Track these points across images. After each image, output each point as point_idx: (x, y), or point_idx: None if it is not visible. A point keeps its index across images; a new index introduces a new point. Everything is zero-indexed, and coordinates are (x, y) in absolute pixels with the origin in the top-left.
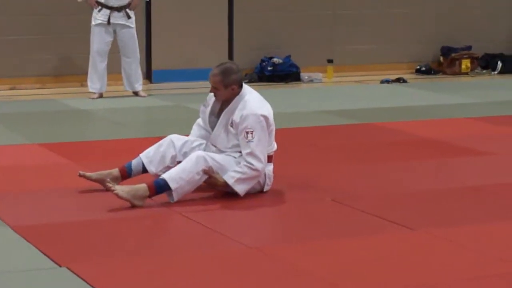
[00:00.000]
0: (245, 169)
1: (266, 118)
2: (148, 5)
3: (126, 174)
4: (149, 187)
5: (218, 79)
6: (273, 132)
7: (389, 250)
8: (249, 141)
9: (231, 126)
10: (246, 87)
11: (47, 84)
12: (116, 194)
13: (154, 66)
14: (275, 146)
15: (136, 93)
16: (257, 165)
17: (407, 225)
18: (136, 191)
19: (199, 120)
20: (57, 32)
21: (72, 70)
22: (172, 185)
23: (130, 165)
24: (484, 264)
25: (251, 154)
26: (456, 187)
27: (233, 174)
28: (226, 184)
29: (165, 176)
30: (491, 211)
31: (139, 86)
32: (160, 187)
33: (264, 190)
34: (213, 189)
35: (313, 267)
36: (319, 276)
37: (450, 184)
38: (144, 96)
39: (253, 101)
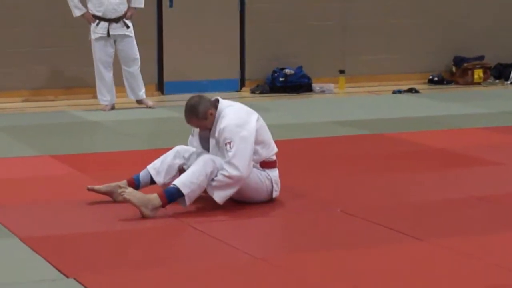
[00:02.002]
0: (220, 177)
1: (241, 126)
2: (159, 16)
3: (134, 186)
4: (160, 196)
5: (193, 120)
6: (264, 134)
7: (398, 260)
8: (228, 151)
9: (219, 145)
10: (223, 103)
11: (59, 96)
12: (126, 198)
13: (166, 78)
14: (275, 148)
15: (140, 102)
16: (232, 172)
17: (415, 235)
18: (149, 200)
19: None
20: (70, 44)
21: (85, 83)
22: (185, 190)
23: (138, 177)
24: (492, 274)
25: (228, 162)
26: (465, 197)
27: (210, 183)
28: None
29: (176, 182)
30: (499, 221)
31: (142, 94)
32: (171, 195)
33: (273, 196)
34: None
35: (321, 278)
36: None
37: (459, 194)
38: (152, 106)
39: (228, 114)
